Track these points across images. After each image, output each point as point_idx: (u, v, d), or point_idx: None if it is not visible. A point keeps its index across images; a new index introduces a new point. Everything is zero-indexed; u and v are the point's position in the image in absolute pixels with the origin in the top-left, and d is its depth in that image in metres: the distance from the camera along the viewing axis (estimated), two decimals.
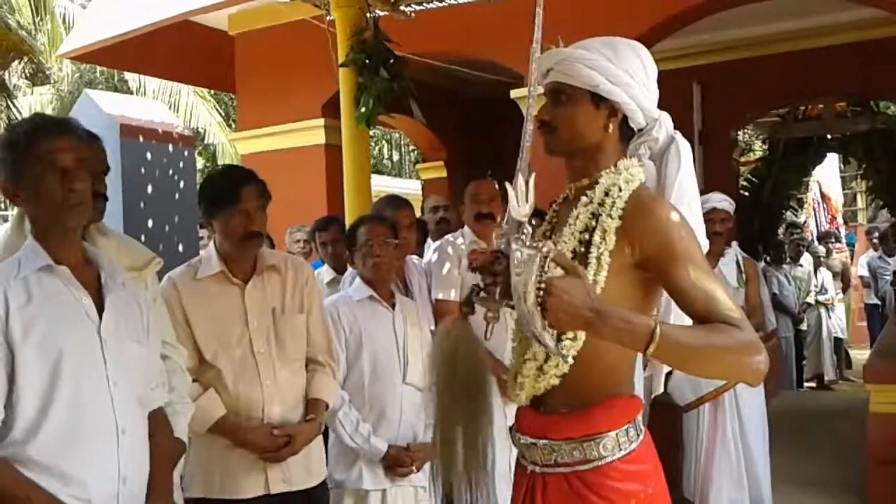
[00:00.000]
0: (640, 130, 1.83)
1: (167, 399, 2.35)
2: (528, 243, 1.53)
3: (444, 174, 8.96)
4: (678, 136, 1.81)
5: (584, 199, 1.78)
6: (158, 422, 2.06)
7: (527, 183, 1.69)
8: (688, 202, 1.78)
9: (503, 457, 3.51)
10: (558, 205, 1.89)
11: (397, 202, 3.77)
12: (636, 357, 1.78)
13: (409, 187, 13.46)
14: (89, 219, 2.30)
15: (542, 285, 1.49)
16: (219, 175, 2.97)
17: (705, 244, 1.79)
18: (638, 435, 1.75)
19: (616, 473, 1.70)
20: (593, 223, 1.73)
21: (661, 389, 1.96)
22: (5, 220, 13.28)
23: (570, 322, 1.52)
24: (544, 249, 1.51)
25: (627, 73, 1.75)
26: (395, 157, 23.26)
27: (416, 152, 18.31)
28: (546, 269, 1.50)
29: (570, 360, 1.64)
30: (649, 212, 1.68)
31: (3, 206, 16.93)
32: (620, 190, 1.72)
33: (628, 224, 1.68)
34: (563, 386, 1.73)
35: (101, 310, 1.91)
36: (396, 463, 3.06)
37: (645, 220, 1.67)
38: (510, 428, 1.92)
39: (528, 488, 1.81)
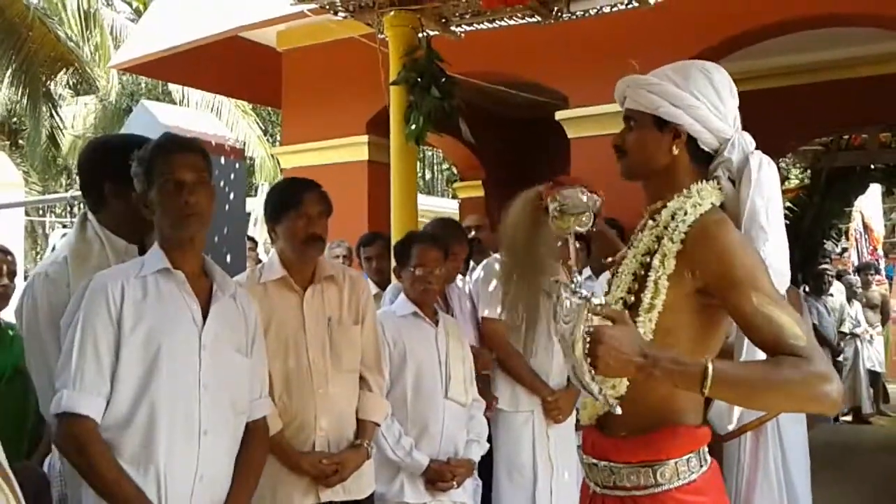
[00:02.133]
0: (716, 152, 1.82)
1: None
2: (576, 292, 1.58)
3: (481, 193, 8.98)
4: (754, 156, 1.78)
5: (650, 222, 1.80)
6: (257, 432, 2.19)
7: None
8: (760, 225, 1.74)
9: (545, 475, 3.55)
10: (638, 229, 1.90)
11: (455, 233, 3.78)
12: None
13: (443, 206, 13.50)
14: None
15: (589, 335, 1.53)
16: (284, 183, 3.08)
17: (786, 270, 1.76)
18: (701, 466, 1.73)
19: (672, 501, 1.69)
20: (655, 247, 1.75)
21: (730, 425, 1.91)
22: (63, 226, 13.52)
23: (621, 369, 1.55)
24: (593, 300, 1.55)
25: (693, 95, 1.77)
26: (428, 175, 23.35)
27: (448, 171, 18.38)
28: (592, 318, 1.55)
29: (619, 410, 1.63)
30: (711, 236, 1.67)
31: (61, 213, 17.26)
32: (686, 214, 1.72)
33: (689, 249, 1.68)
34: (623, 409, 1.72)
35: (207, 317, 2.05)
36: (438, 477, 3.08)
37: (706, 245, 1.67)
38: (578, 447, 1.93)
39: None
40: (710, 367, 1.51)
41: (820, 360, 1.55)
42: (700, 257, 1.67)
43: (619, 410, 1.62)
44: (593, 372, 1.55)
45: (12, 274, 3.11)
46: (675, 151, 1.79)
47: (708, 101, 1.78)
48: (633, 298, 1.76)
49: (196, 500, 1.98)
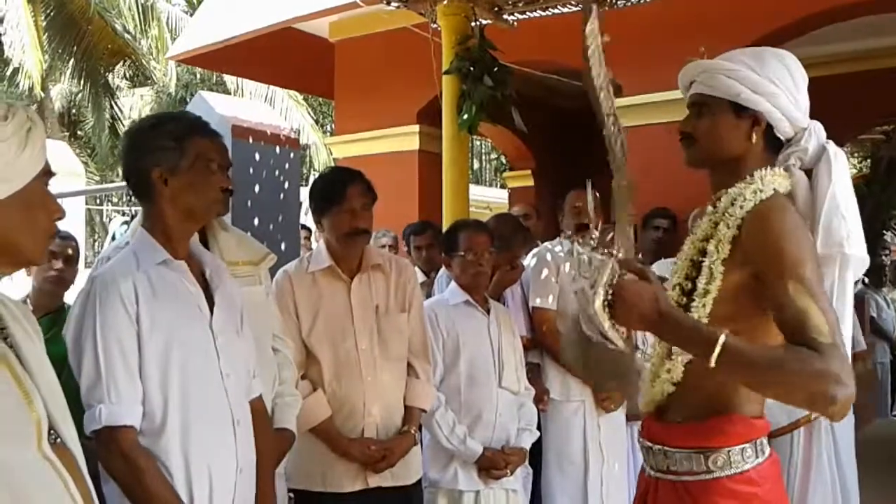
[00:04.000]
0: (788, 141, 1.80)
1: (277, 390, 2.44)
2: (599, 248, 1.65)
3: (531, 183, 8.95)
4: (830, 146, 1.76)
5: (710, 208, 1.79)
6: (258, 412, 2.09)
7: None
8: (842, 214, 1.71)
9: (596, 465, 3.55)
10: (696, 215, 1.91)
11: (522, 239, 3.81)
12: None
13: (493, 195, 13.49)
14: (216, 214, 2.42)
15: (612, 288, 1.58)
16: (328, 175, 3.09)
17: (865, 256, 1.75)
18: (757, 457, 1.72)
19: (722, 490, 1.69)
20: (713, 232, 1.74)
21: (784, 420, 1.91)
22: (122, 213, 13.81)
23: (637, 322, 1.60)
24: (618, 255, 1.61)
25: (772, 82, 1.74)
26: (476, 165, 23.32)
27: (497, 161, 18.34)
28: (617, 274, 1.61)
29: (646, 360, 1.69)
30: (765, 222, 1.65)
31: (117, 202, 17.67)
32: (745, 199, 1.70)
33: (744, 234, 1.67)
34: (679, 395, 1.75)
35: (210, 304, 1.97)
36: (491, 465, 3.09)
37: (759, 231, 1.65)
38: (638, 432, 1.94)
39: (645, 491, 1.84)
40: (723, 338, 1.51)
41: (834, 360, 1.50)
42: (752, 242, 1.66)
43: (645, 360, 1.71)
44: (612, 322, 1.60)
45: (71, 259, 3.15)
46: (754, 139, 1.76)
47: (785, 89, 1.75)
48: (689, 285, 1.76)
49: (238, 493, 1.92)
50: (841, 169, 1.74)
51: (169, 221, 1.95)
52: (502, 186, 13.28)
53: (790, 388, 1.55)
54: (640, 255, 4.74)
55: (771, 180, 1.74)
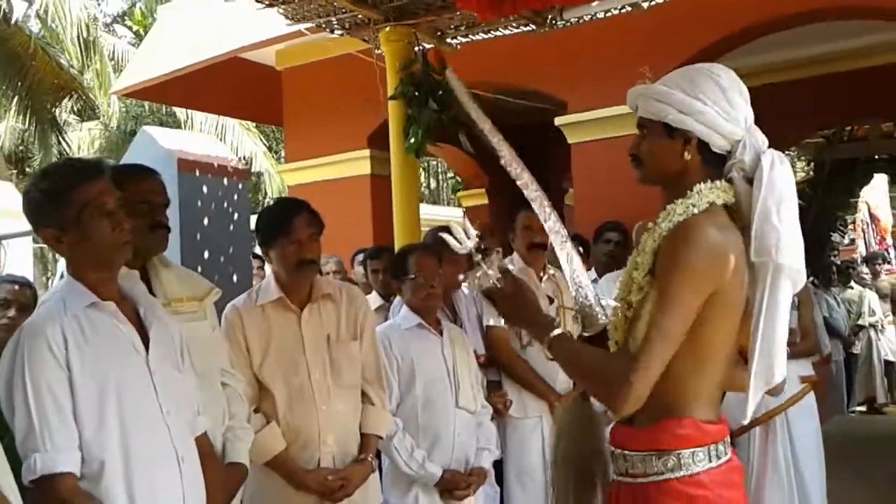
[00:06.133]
0: (730, 153, 1.84)
1: (228, 425, 2.42)
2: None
3: (485, 201, 9.02)
4: (766, 155, 1.78)
5: (651, 224, 1.84)
6: (204, 448, 2.09)
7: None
8: (772, 223, 1.73)
9: None
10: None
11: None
12: (709, 381, 1.79)
13: (448, 214, 13.54)
14: (153, 251, 2.40)
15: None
16: (273, 206, 3.09)
17: (801, 268, 1.76)
18: (710, 461, 1.75)
19: (671, 490, 1.74)
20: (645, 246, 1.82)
21: (744, 420, 1.91)
22: None
23: (511, 320, 2.08)
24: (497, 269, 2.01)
25: (700, 101, 1.79)
26: (433, 184, 23.40)
27: (453, 180, 18.43)
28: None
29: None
30: (670, 235, 1.74)
31: None
32: (676, 214, 1.76)
33: (660, 248, 1.76)
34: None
35: (145, 342, 1.96)
36: (452, 486, 3.10)
37: (666, 246, 1.74)
38: None
39: (610, 495, 1.91)
40: (550, 336, 1.84)
41: (630, 369, 1.68)
42: (660, 256, 1.75)
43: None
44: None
45: (26, 307, 3.09)
46: (687, 157, 1.82)
47: (716, 105, 1.79)
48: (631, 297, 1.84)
49: None
50: (777, 178, 1.75)
51: (84, 269, 1.94)
52: (459, 205, 13.33)
53: (587, 380, 1.88)
54: (592, 268, 4.83)
55: (707, 194, 1.78)
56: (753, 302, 1.76)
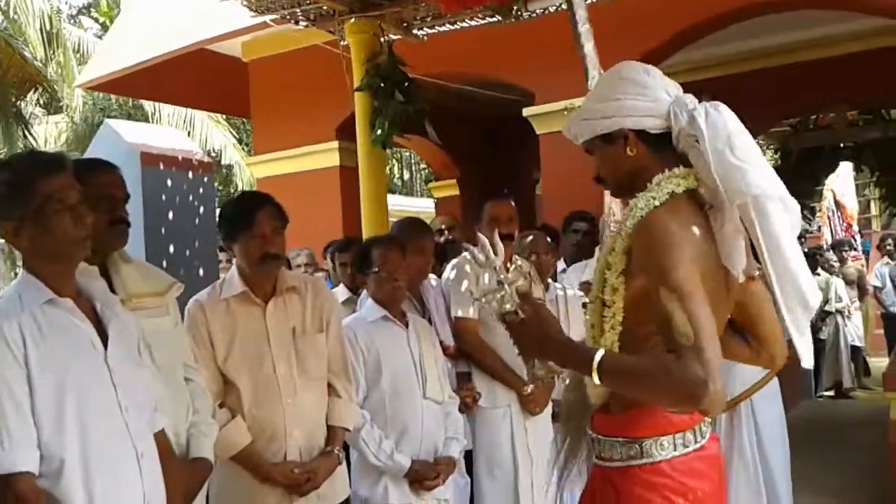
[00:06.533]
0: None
1: (192, 420, 2.40)
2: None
3: (456, 192, 9.03)
4: (698, 110, 1.75)
5: (614, 225, 1.87)
6: (162, 445, 2.06)
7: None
8: (731, 163, 1.69)
9: (525, 468, 3.60)
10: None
11: (418, 228, 3.80)
12: None
13: (421, 206, 13.53)
14: (113, 246, 2.38)
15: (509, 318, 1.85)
16: (235, 201, 3.06)
17: (778, 192, 1.70)
18: (675, 449, 1.77)
19: (634, 477, 1.78)
20: (614, 244, 1.80)
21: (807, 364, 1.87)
22: None
23: (529, 351, 1.86)
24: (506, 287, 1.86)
25: (615, 99, 1.82)
26: (406, 176, 23.38)
27: (426, 171, 18.41)
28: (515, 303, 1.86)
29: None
30: (643, 233, 1.72)
31: None
32: (639, 209, 1.75)
33: (633, 246, 1.74)
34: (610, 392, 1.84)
35: (103, 339, 1.92)
36: (421, 477, 3.10)
37: (640, 243, 1.72)
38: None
39: (590, 476, 1.95)
40: (597, 357, 1.67)
41: (692, 362, 1.57)
42: (637, 254, 1.73)
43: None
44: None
45: None
46: (632, 152, 1.82)
47: (629, 94, 1.81)
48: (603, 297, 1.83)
49: None
50: (716, 122, 1.72)
51: (41, 264, 1.90)
52: (431, 196, 13.34)
53: (659, 396, 1.69)
54: (562, 258, 4.85)
55: (665, 184, 1.77)
56: (758, 247, 1.71)
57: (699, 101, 1.82)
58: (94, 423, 1.84)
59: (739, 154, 1.70)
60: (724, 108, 1.76)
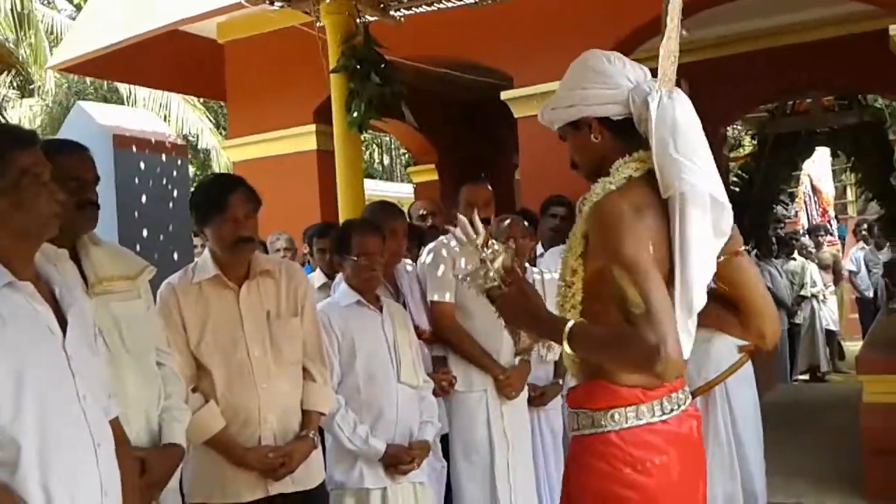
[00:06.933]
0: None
1: (164, 405, 2.37)
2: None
3: (435, 177, 8.99)
4: (652, 97, 1.82)
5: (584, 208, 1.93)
6: (116, 432, 1.99)
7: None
8: (671, 155, 1.78)
9: (501, 452, 3.60)
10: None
11: (390, 211, 3.78)
12: None
13: (400, 191, 13.49)
14: (83, 229, 2.33)
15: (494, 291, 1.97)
16: (207, 184, 3.01)
17: (713, 190, 1.79)
18: (626, 421, 1.85)
19: (588, 445, 1.89)
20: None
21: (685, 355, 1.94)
22: None
23: (511, 320, 2.00)
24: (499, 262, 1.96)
25: (580, 88, 1.91)
26: (386, 161, 23.30)
27: (406, 156, 18.35)
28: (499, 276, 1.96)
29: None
30: (596, 216, 1.81)
31: None
32: (595, 195, 1.86)
33: (588, 227, 1.84)
34: (578, 363, 1.93)
35: (61, 324, 1.85)
36: (396, 461, 3.10)
37: (594, 226, 1.82)
38: None
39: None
40: (567, 327, 1.80)
41: (647, 329, 1.67)
42: (592, 237, 1.83)
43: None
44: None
45: None
46: (597, 139, 1.92)
47: (592, 82, 1.89)
48: None
49: None
50: (665, 112, 1.80)
51: (4, 243, 1.82)
52: (408, 181, 13.31)
53: (619, 362, 1.82)
54: (540, 242, 4.85)
55: (624, 169, 1.87)
56: (672, 240, 1.81)
57: (678, 85, 1.89)
58: (52, 411, 1.77)
59: (681, 147, 1.78)
60: (680, 97, 1.84)
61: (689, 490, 1.90)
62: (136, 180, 3.86)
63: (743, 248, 1.98)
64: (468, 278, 2.00)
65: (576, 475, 1.93)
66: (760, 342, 2.08)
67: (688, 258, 1.79)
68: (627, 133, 1.89)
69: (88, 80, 15.60)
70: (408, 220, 4.36)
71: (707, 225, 1.80)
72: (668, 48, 1.94)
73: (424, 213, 4.93)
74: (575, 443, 1.95)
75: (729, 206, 1.84)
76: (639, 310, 1.69)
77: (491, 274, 1.95)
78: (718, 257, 1.88)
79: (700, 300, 1.82)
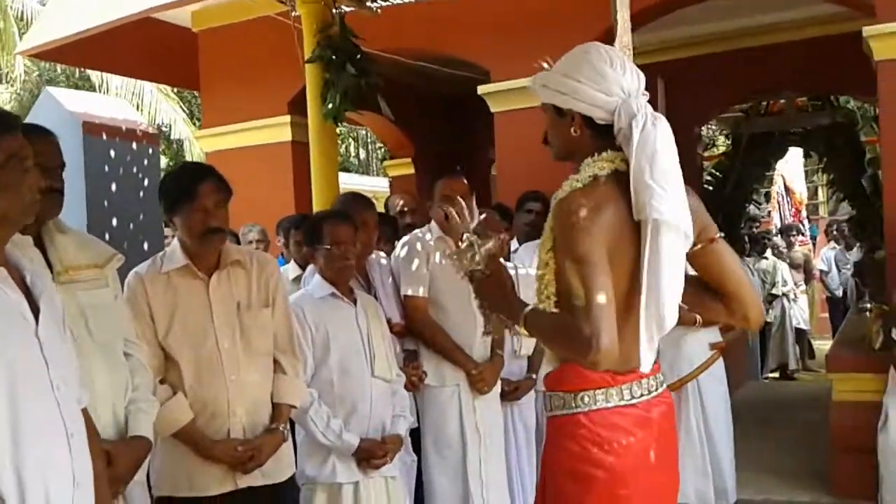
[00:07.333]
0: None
1: (131, 397, 2.32)
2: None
3: (411, 171, 8.95)
4: (637, 118, 1.87)
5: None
6: (87, 423, 1.94)
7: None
8: (646, 183, 1.83)
9: (473, 447, 3.59)
10: None
11: (362, 202, 3.74)
12: None
13: (376, 185, 13.44)
14: (47, 215, 2.27)
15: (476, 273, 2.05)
16: (176, 172, 2.96)
17: (680, 222, 1.85)
18: (595, 403, 1.93)
19: (559, 426, 1.98)
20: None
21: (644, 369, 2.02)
22: None
23: (487, 303, 2.08)
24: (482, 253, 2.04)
25: (576, 80, 1.92)
26: (362, 154, 23.21)
27: (382, 150, 18.28)
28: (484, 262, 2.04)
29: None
30: (558, 207, 1.89)
31: None
32: (561, 191, 1.91)
33: (553, 222, 1.91)
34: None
35: (33, 311, 1.79)
36: (369, 455, 3.07)
37: (556, 217, 1.89)
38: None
39: None
40: (524, 312, 1.92)
41: (583, 321, 1.78)
42: (556, 231, 1.90)
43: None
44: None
45: None
46: (576, 133, 1.96)
47: (589, 80, 1.91)
48: None
49: None
50: (647, 138, 1.85)
51: None
52: (385, 175, 13.26)
53: (560, 348, 1.96)
54: (515, 237, 4.83)
55: (590, 168, 1.92)
56: (642, 261, 1.87)
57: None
58: (25, 400, 1.72)
59: (657, 175, 1.84)
60: (662, 123, 1.90)
61: (658, 472, 1.95)
62: (106, 168, 3.79)
63: (719, 234, 2.04)
64: (455, 256, 2.09)
65: (550, 455, 2.01)
66: (746, 325, 2.15)
67: (659, 281, 1.85)
68: (605, 135, 1.94)
69: (60, 67, 15.38)
70: (385, 212, 4.33)
71: (679, 248, 1.87)
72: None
73: (405, 208, 4.88)
74: (549, 424, 2.03)
75: (692, 236, 1.90)
76: (579, 302, 1.79)
77: (477, 257, 2.03)
78: (694, 245, 1.94)
79: (672, 317, 1.90)
